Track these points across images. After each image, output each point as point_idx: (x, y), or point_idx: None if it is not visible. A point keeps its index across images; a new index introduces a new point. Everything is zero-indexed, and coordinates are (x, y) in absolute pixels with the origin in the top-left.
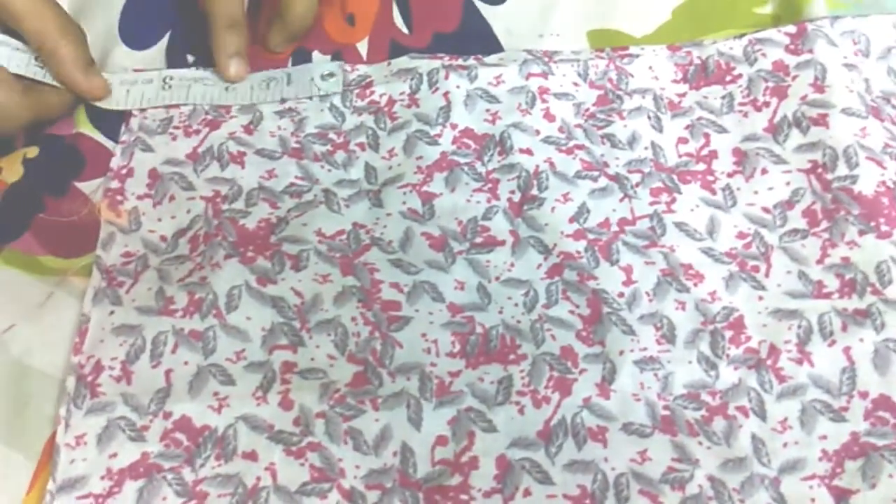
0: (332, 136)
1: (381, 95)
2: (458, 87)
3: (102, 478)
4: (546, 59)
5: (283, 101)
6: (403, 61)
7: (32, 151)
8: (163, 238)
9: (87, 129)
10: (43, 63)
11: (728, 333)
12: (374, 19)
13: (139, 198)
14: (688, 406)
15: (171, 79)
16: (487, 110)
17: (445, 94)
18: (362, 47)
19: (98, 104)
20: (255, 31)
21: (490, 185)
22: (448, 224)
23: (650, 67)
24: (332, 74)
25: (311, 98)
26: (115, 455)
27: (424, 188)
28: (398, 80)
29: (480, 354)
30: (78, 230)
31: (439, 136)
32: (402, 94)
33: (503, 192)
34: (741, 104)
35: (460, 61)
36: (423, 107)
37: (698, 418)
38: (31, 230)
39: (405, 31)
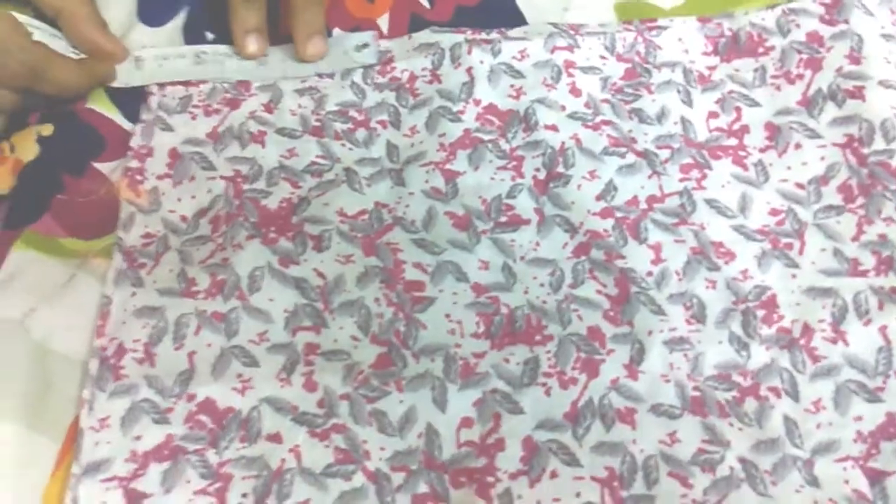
0: (353, 113)
1: (402, 71)
2: (481, 62)
3: (127, 460)
4: (572, 32)
5: (318, 75)
6: (425, 35)
7: (47, 129)
8: (183, 218)
9: (105, 108)
10: (64, 30)
11: (760, 313)
12: None
13: (159, 178)
14: (718, 387)
15: (206, 53)
16: (512, 86)
17: (469, 70)
18: (383, 22)
19: (130, 81)
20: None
21: (514, 163)
22: (472, 203)
23: (679, 39)
24: (366, 45)
25: (345, 72)
26: (139, 437)
27: (447, 166)
28: (420, 55)
29: (506, 335)
30: (98, 211)
31: (462, 112)
32: (423, 69)
33: (528, 169)
34: (774, 77)
35: (483, 35)
36: (445, 82)
37: (729, 399)
38: (50, 211)
39: (426, 4)
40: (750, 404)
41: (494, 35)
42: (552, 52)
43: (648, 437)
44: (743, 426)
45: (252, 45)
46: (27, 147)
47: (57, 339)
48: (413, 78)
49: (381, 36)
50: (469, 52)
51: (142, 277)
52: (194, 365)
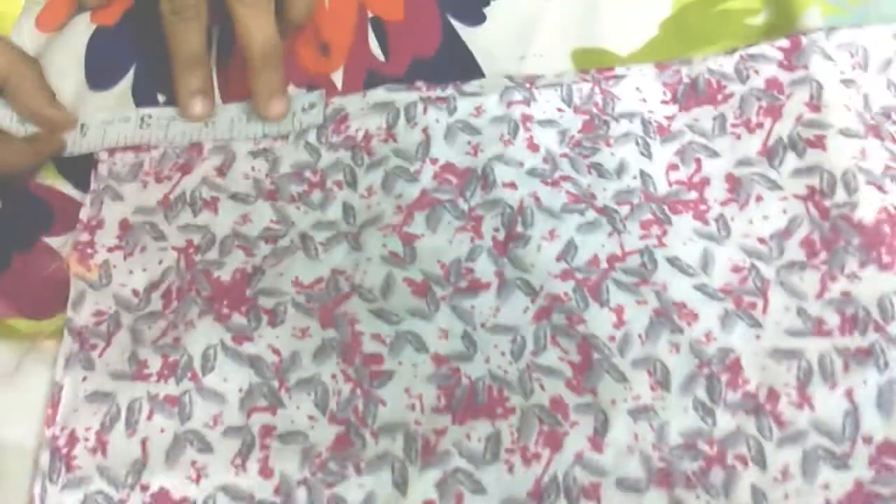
0: (307, 174)
1: (357, 130)
2: (437, 121)
3: None
4: (528, 85)
5: (264, 136)
6: (380, 94)
7: None
8: (135, 293)
9: (53, 179)
10: (9, 100)
11: (725, 377)
12: (350, 48)
13: (110, 250)
14: (684, 456)
15: (150, 117)
16: (469, 142)
17: (424, 130)
18: (337, 77)
19: (74, 150)
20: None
21: (473, 223)
22: (430, 267)
23: (637, 88)
24: (313, 105)
25: (287, 136)
26: None
27: (405, 229)
28: (375, 113)
29: (468, 408)
30: (48, 288)
31: (419, 171)
32: (378, 128)
33: (487, 229)
34: (734, 125)
35: (439, 92)
36: (401, 142)
37: (696, 469)
38: None
39: (381, 58)
40: (717, 474)
41: (450, 91)
42: (508, 106)
43: None
44: (710, 498)
45: (197, 106)
46: None
47: (8, 428)
48: (368, 137)
49: (335, 92)
50: (424, 112)
51: (93, 360)
52: (147, 453)
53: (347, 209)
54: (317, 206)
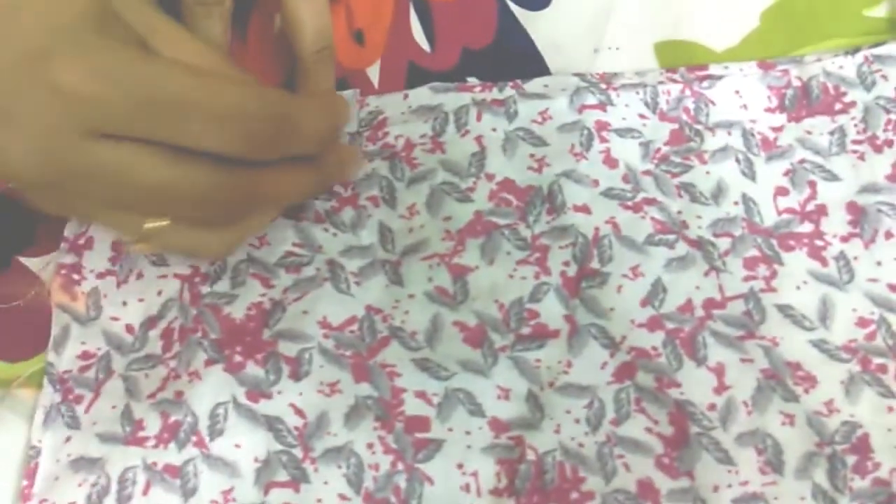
0: (337, 188)
1: (396, 138)
2: (493, 129)
3: None
4: (604, 86)
5: None
6: (424, 95)
7: None
8: (129, 328)
9: None
10: None
11: (850, 459)
12: (388, 35)
13: (100, 276)
14: None
15: None
16: (532, 155)
17: (478, 139)
18: (373, 72)
19: None
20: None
21: (538, 255)
22: (486, 309)
23: (737, 92)
24: None
25: None
26: None
27: (455, 259)
28: (418, 118)
29: (534, 492)
30: (24, 321)
31: (472, 189)
32: (423, 136)
33: (555, 264)
34: (855, 142)
35: (495, 92)
36: (450, 153)
37: None
38: None
39: (426, 47)
40: None
41: (509, 92)
42: (580, 111)
43: None
44: None
45: None
46: None
47: None
48: (410, 146)
49: (371, 91)
50: (478, 119)
51: (78, 416)
52: None
53: (384, 232)
54: (348, 228)
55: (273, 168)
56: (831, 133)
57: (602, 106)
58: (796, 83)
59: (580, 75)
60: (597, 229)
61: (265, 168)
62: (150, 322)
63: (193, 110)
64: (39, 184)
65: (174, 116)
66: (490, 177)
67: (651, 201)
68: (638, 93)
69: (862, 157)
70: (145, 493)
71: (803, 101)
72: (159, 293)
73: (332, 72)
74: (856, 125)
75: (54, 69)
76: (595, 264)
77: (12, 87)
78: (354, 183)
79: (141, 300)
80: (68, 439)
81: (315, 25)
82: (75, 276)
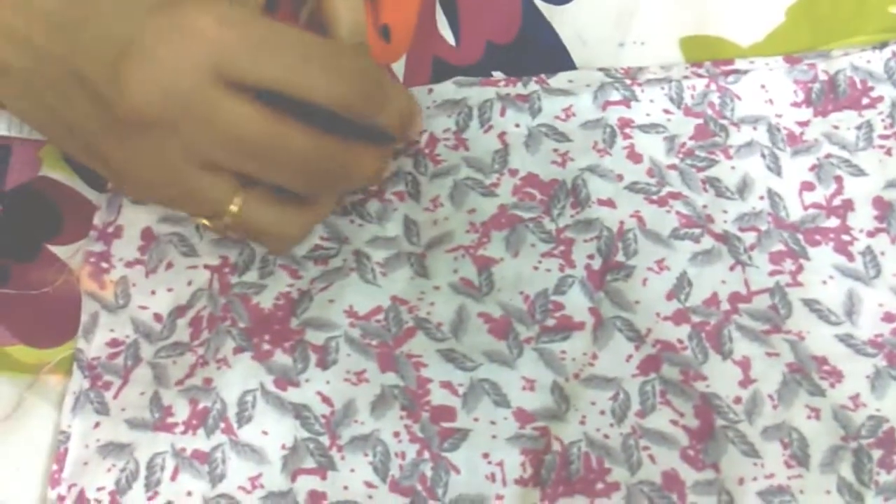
0: None
1: (420, 133)
2: (517, 125)
3: None
4: (628, 82)
5: None
6: (448, 90)
7: None
8: (157, 317)
9: (62, 172)
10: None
11: (876, 453)
12: (414, 31)
13: (128, 265)
14: None
15: None
16: (555, 150)
17: (501, 136)
18: (399, 67)
19: None
20: None
21: (563, 248)
22: (511, 300)
23: (763, 86)
24: None
25: None
26: None
27: (480, 251)
28: (442, 113)
29: (559, 482)
30: (53, 309)
31: (496, 185)
32: (446, 131)
33: (580, 256)
34: (882, 137)
35: (519, 88)
36: (473, 149)
37: None
38: None
39: (452, 41)
40: None
41: (533, 86)
42: (604, 108)
43: None
44: None
45: None
46: None
47: (2, 485)
48: (434, 141)
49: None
50: (502, 114)
51: (107, 402)
52: None
53: (409, 225)
54: (374, 218)
55: (364, 145)
56: (858, 128)
57: (626, 102)
58: (823, 77)
59: (605, 70)
60: (622, 223)
61: (357, 143)
62: (178, 311)
63: (307, 61)
64: (161, 121)
65: (288, 64)
66: (513, 172)
67: (676, 195)
68: (663, 88)
69: (889, 153)
70: (174, 478)
71: (830, 96)
72: (189, 283)
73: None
74: (882, 120)
75: (190, 14)
76: (620, 258)
77: (156, 29)
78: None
79: (170, 290)
80: (97, 425)
81: (351, 20)
82: (104, 265)
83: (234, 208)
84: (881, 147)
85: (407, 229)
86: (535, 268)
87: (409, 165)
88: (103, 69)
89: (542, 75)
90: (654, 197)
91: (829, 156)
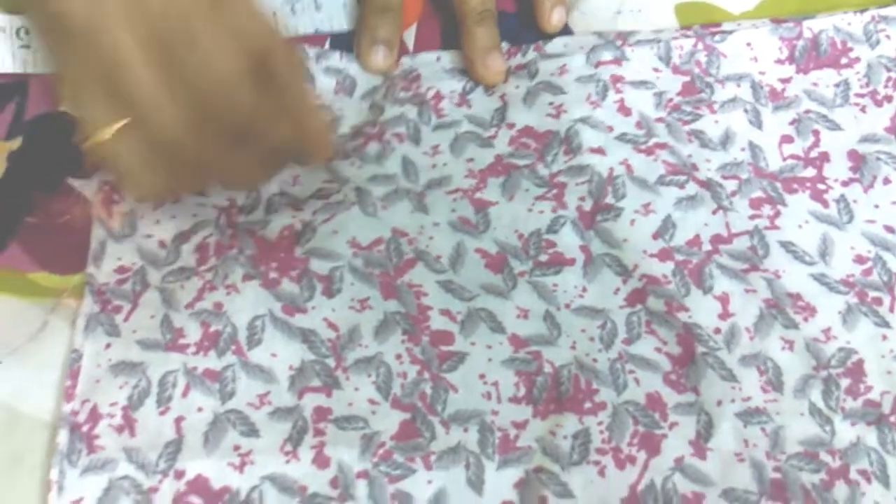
0: (367, 129)
1: (428, 89)
2: (517, 87)
3: None
4: (619, 43)
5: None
6: (455, 58)
7: (18, 143)
8: (161, 243)
9: None
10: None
11: (844, 382)
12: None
13: None
14: (804, 467)
15: None
16: (550, 103)
17: (502, 97)
18: (409, 36)
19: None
20: None
21: (555, 191)
22: (507, 238)
23: (748, 44)
24: None
25: (365, 92)
26: None
27: (477, 195)
28: (450, 77)
29: (550, 401)
30: (72, 237)
31: (493, 137)
32: (452, 91)
33: (571, 199)
34: (858, 95)
35: (519, 58)
36: (475, 109)
37: (816, 483)
38: (19, 239)
39: None
40: (840, 490)
41: (532, 54)
42: (596, 66)
43: None
44: None
45: (378, 56)
46: None
47: (29, 400)
48: (439, 97)
49: (405, 52)
50: (504, 80)
51: (118, 325)
52: (183, 434)
53: (407, 164)
54: (373, 159)
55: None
56: (836, 85)
57: (617, 61)
58: (808, 34)
59: (598, 34)
60: (611, 169)
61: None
62: (182, 236)
63: None
64: (87, 28)
65: None
66: (511, 125)
67: (663, 146)
68: (652, 48)
69: (864, 110)
70: (185, 395)
71: (812, 54)
72: (193, 216)
73: (494, 32)
74: (859, 80)
75: None
76: (609, 200)
77: None
78: (382, 123)
79: (173, 217)
80: (108, 346)
81: None
82: (115, 197)
83: (106, 134)
84: (857, 104)
85: (405, 168)
86: (529, 210)
87: (413, 113)
88: None
89: (539, 43)
90: (643, 147)
91: (808, 111)
